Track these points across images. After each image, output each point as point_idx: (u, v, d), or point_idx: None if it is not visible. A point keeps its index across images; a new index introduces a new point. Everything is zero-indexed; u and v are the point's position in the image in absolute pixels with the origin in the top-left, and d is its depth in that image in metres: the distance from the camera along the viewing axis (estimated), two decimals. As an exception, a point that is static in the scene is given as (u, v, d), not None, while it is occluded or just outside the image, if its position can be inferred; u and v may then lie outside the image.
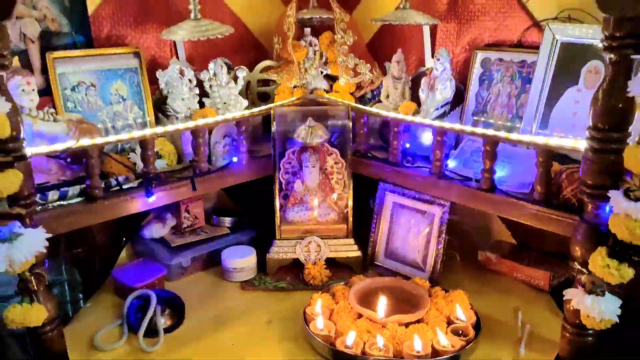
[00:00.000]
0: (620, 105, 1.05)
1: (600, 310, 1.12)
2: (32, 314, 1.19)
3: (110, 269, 1.69)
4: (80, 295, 1.58)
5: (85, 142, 1.33)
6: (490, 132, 1.36)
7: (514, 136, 1.33)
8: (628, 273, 1.08)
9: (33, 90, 1.38)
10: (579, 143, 1.20)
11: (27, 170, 1.18)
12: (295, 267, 1.65)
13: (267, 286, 1.61)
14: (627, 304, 1.15)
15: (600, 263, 1.09)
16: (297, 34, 1.82)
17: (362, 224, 1.70)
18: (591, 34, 1.35)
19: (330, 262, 1.65)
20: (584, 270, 1.15)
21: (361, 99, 1.90)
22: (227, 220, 1.81)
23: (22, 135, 1.15)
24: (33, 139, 1.34)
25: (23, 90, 1.34)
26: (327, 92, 1.88)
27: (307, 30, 1.86)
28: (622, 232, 1.05)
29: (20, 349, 1.33)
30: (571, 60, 1.40)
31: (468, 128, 1.42)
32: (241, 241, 1.75)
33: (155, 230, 1.71)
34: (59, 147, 1.30)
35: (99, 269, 1.68)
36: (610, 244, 1.09)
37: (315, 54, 1.86)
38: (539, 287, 1.55)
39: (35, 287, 1.20)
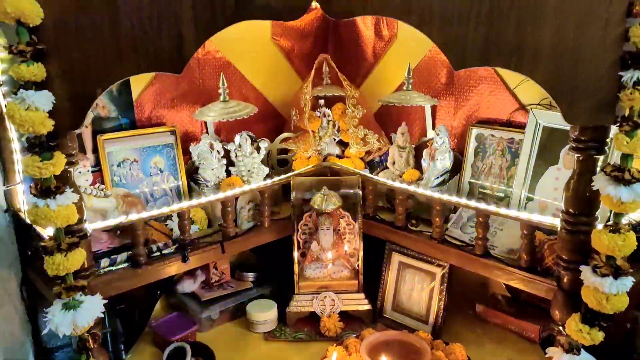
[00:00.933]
0: (588, 194, 1.26)
1: (576, 369, 1.31)
2: (89, 369, 1.41)
3: (147, 321, 1.90)
4: (122, 346, 1.77)
5: (134, 216, 1.55)
6: (482, 205, 1.56)
7: (502, 210, 1.53)
8: (598, 337, 1.27)
9: (88, 171, 1.61)
10: (555, 221, 1.40)
11: (88, 246, 1.40)
12: (312, 319, 1.85)
13: (287, 337, 1.81)
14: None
15: (575, 328, 1.28)
16: (312, 104, 2.05)
17: (371, 279, 1.89)
18: (569, 121, 1.56)
19: (343, 315, 1.84)
20: (562, 331, 1.35)
21: (370, 163, 2.11)
22: (250, 275, 2.01)
23: (84, 217, 1.38)
24: (87, 214, 1.56)
25: (80, 172, 1.58)
26: (340, 157, 2.10)
27: (321, 101, 2.09)
28: (591, 302, 1.25)
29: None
30: (552, 142, 1.61)
31: (463, 201, 1.61)
32: (263, 294, 1.95)
33: (187, 286, 1.91)
34: (112, 222, 1.52)
35: (138, 321, 1.88)
36: (583, 311, 1.29)
37: (328, 124, 2.09)
38: (530, 339, 1.73)
39: (92, 345, 1.41)
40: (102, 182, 1.74)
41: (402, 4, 1.15)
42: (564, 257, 1.33)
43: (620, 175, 1.16)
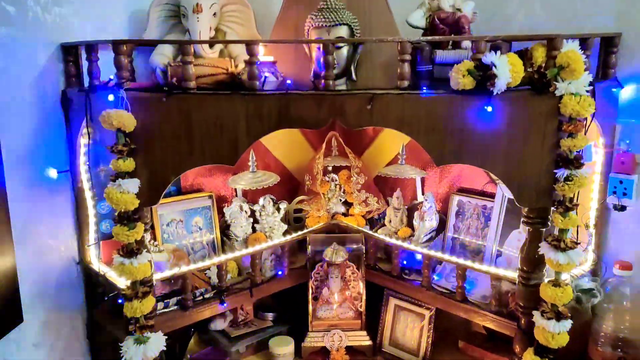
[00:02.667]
0: (536, 257, 1.67)
1: (532, 392, 1.70)
2: (151, 393, 1.78)
3: (184, 353, 2.27)
4: (165, 375, 2.15)
5: (184, 269, 1.94)
6: (461, 260, 1.97)
7: (476, 265, 1.93)
8: (547, 366, 1.67)
9: (146, 230, 2.01)
10: (516, 275, 1.81)
11: (153, 294, 1.80)
12: (323, 352, 2.23)
13: (302, 368, 2.20)
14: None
15: (529, 359, 1.68)
16: (323, 171, 2.47)
17: (372, 319, 2.29)
18: (527, 195, 1.98)
19: (349, 349, 2.22)
20: (521, 362, 1.74)
21: (370, 220, 2.53)
22: (270, 315, 2.39)
23: (152, 270, 1.77)
24: (147, 266, 1.96)
25: (142, 233, 1.98)
26: (345, 215, 2.51)
27: (330, 168, 2.52)
28: (541, 339, 1.64)
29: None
30: (514, 210, 2.03)
31: (447, 256, 2.02)
32: (281, 331, 2.34)
33: (219, 324, 2.29)
34: (168, 273, 1.91)
35: (177, 354, 2.26)
36: (535, 346, 1.68)
37: (336, 187, 2.50)
38: (502, 369, 2.13)
39: (154, 373, 1.79)
40: (154, 239, 2.14)
41: (397, 120, 1.59)
42: (521, 304, 1.74)
43: (558, 244, 1.58)
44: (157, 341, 1.73)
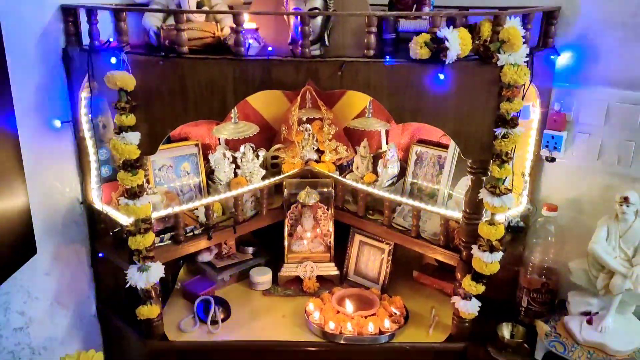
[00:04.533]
0: (477, 201, 1.99)
1: (468, 309, 2.07)
2: (153, 311, 2.08)
3: (175, 281, 2.59)
4: (160, 299, 2.46)
5: (176, 209, 2.22)
6: (416, 203, 2.29)
7: (429, 207, 2.25)
8: (481, 289, 2.02)
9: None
10: (460, 215, 2.14)
11: (152, 230, 2.08)
12: (297, 280, 2.57)
13: (279, 293, 2.53)
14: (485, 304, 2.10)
15: (467, 284, 2.04)
16: (297, 121, 2.73)
17: (339, 253, 2.62)
18: (475, 147, 2.29)
19: (319, 278, 2.56)
20: (461, 285, 2.10)
21: (339, 167, 2.82)
22: (251, 249, 2.71)
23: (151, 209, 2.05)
24: (143, 206, 2.23)
25: (138, 177, 2.23)
26: (317, 161, 2.79)
27: (304, 119, 2.78)
28: (478, 268, 1.99)
29: (134, 332, 2.21)
30: (464, 160, 2.34)
31: (405, 199, 2.33)
32: (260, 263, 2.66)
33: (205, 256, 2.60)
34: (163, 213, 2.18)
35: (170, 282, 2.57)
36: (473, 273, 2.04)
37: (309, 137, 2.77)
38: (448, 294, 2.49)
39: (153, 295, 2.10)
40: (147, 182, 2.39)
41: (364, 84, 1.85)
42: (463, 239, 2.09)
43: (494, 190, 1.90)
44: (157, 269, 2.03)
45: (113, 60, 1.81)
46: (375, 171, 2.63)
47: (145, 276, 1.99)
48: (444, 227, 2.22)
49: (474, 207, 2.02)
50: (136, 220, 1.95)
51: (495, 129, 1.87)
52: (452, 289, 2.45)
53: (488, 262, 1.96)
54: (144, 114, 1.86)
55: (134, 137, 1.84)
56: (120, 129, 1.84)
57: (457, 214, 2.16)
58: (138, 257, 1.99)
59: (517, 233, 2.23)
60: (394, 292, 2.47)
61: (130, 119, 1.83)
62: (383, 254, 2.52)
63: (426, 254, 2.38)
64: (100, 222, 2.31)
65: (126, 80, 1.78)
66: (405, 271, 2.64)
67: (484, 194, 1.94)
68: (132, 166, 1.87)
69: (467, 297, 2.08)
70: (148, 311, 2.08)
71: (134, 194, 1.90)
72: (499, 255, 1.97)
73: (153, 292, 2.09)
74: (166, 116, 1.88)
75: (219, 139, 2.63)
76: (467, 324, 2.16)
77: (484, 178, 1.99)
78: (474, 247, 2.00)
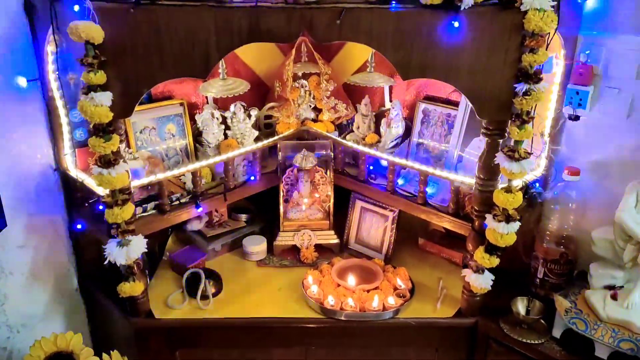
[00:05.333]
0: (492, 166, 1.79)
1: (480, 283, 1.90)
2: (135, 288, 1.91)
3: (163, 252, 2.42)
4: (147, 272, 2.28)
5: (160, 176, 2.01)
6: (423, 167, 2.08)
7: (437, 172, 2.05)
8: (494, 262, 1.84)
9: (122, 141, 2.05)
10: (472, 181, 1.94)
11: (132, 200, 1.88)
12: (294, 250, 2.40)
13: (274, 264, 2.35)
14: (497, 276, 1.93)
15: (480, 256, 1.86)
16: (292, 77, 2.50)
17: (339, 220, 2.44)
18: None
19: (318, 247, 2.39)
20: (472, 257, 1.93)
21: (339, 126, 2.60)
22: (244, 216, 2.52)
23: (130, 178, 1.85)
24: (123, 173, 2.03)
25: (116, 141, 2.02)
26: (314, 120, 2.57)
27: (300, 74, 2.54)
28: (492, 239, 1.81)
29: (118, 308, 2.05)
30: (476, 119, 2.12)
31: (410, 163, 2.12)
32: (254, 231, 2.48)
33: (195, 225, 2.42)
34: (145, 180, 1.98)
35: (157, 252, 2.40)
36: (486, 244, 1.86)
37: (305, 93, 2.54)
38: (456, 263, 2.33)
39: (136, 271, 1.92)
40: (129, 146, 2.18)
41: (366, 35, 1.62)
42: (476, 207, 1.89)
43: (512, 154, 1.70)
44: (138, 243, 1.84)
45: (76, 8, 1.56)
46: (377, 131, 2.42)
47: (126, 251, 1.81)
48: (454, 194, 2.03)
49: (489, 173, 1.82)
50: (112, 191, 1.75)
51: (515, 85, 1.65)
52: (461, 258, 2.29)
53: (503, 233, 1.77)
54: (116, 71, 1.63)
55: (105, 98, 1.62)
56: (89, 89, 1.61)
57: (469, 179, 1.96)
58: (117, 231, 1.80)
59: (534, 199, 2.03)
60: (398, 262, 2.30)
61: (99, 77, 1.59)
62: (386, 222, 2.33)
63: (432, 222, 2.19)
64: (77, 190, 2.11)
65: (92, 31, 1.54)
66: (409, 238, 2.47)
67: (500, 158, 1.73)
68: (104, 131, 1.66)
69: (479, 270, 1.90)
70: (130, 288, 1.90)
71: (108, 161, 1.69)
72: (515, 225, 1.78)
73: (136, 267, 1.91)
74: (141, 73, 1.65)
75: (206, 97, 2.40)
76: (477, 298, 1.99)
77: (501, 140, 1.78)
78: (488, 217, 1.81)
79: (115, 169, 1.70)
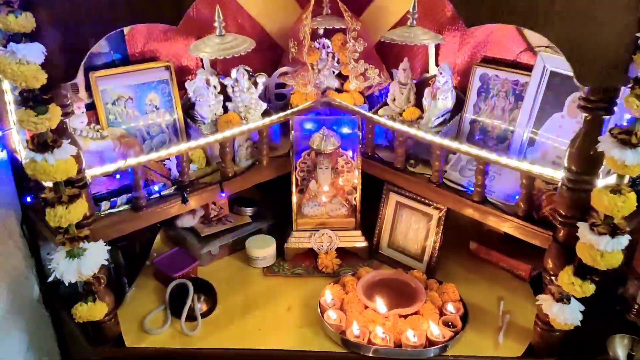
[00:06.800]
0: (592, 154, 1.25)
1: (565, 317, 1.37)
2: (96, 311, 1.45)
3: (148, 253, 1.94)
4: (125, 279, 1.82)
5: (132, 161, 1.53)
6: (483, 153, 1.55)
7: (503, 160, 1.51)
8: (589, 289, 1.31)
9: (82, 112, 1.56)
10: (557, 174, 1.40)
11: (88, 194, 1.40)
12: (310, 255, 1.90)
13: (285, 272, 1.86)
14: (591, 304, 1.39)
15: (567, 280, 1.32)
16: (311, 35, 1.97)
17: (368, 217, 1.92)
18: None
19: (340, 251, 1.89)
20: (554, 281, 1.39)
21: (369, 98, 2.08)
22: (249, 210, 2.03)
23: (83, 166, 1.36)
24: (84, 156, 1.55)
25: (74, 114, 1.53)
26: (339, 90, 2.06)
27: (320, 31, 2.01)
28: (585, 258, 1.28)
29: (83, 334, 1.59)
30: (558, 88, 1.57)
31: (464, 147, 1.60)
32: (261, 229, 1.99)
33: (186, 221, 1.93)
34: (110, 167, 1.50)
35: (138, 254, 1.93)
36: (576, 264, 1.32)
37: (327, 56, 2.02)
38: (521, 277, 1.80)
39: (97, 289, 1.45)
40: (97, 122, 1.70)
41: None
42: (562, 212, 1.35)
43: (627, 138, 1.15)
44: (97, 253, 1.37)
45: None
46: (419, 104, 1.89)
47: (77, 265, 1.33)
48: (526, 189, 1.49)
49: (585, 164, 1.28)
50: (55, 184, 1.27)
51: (638, 34, 1.09)
52: (529, 271, 1.76)
53: (606, 250, 1.23)
54: (49, 14, 1.13)
55: (34, 52, 1.13)
56: (10, 39, 1.12)
57: (550, 171, 1.42)
58: (63, 238, 1.32)
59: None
60: (444, 275, 1.79)
61: (23, 21, 1.10)
62: (430, 222, 1.81)
63: (491, 225, 1.66)
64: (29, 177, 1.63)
65: (5, -50, 1.04)
66: (457, 240, 1.93)
67: (606, 144, 1.18)
68: (36, 100, 1.17)
69: (563, 298, 1.37)
70: (88, 312, 1.44)
71: (44, 143, 1.20)
72: (624, 240, 1.24)
73: (96, 283, 1.43)
74: (85, 17, 1.15)
75: (201, 59, 1.89)
76: (557, 333, 1.46)
77: (606, 118, 1.23)
78: (582, 226, 1.27)
79: (56, 154, 1.22)
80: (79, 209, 1.30)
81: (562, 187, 1.34)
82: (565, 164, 1.31)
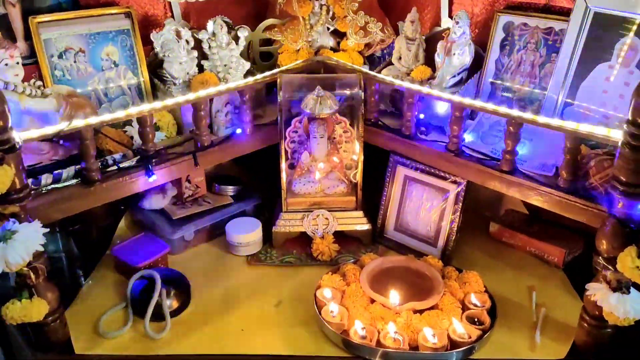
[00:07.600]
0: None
1: (625, 310, 1.10)
2: (32, 310, 1.16)
3: (109, 240, 1.65)
4: (80, 271, 1.53)
5: (79, 122, 1.23)
6: (514, 112, 1.28)
7: (541, 119, 1.25)
8: (658, 275, 1.04)
9: (17, 63, 1.27)
10: (612, 133, 1.12)
11: (19, 162, 1.09)
12: (303, 240, 1.61)
13: (273, 261, 1.58)
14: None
15: (630, 265, 1.05)
16: (302, -16, 1.69)
17: (371, 195, 1.64)
18: (631, 5, 1.23)
19: (339, 235, 1.61)
20: (610, 266, 1.12)
21: (370, 58, 1.80)
22: (230, 189, 1.74)
23: (9, 124, 1.06)
24: (21, 118, 1.25)
25: (6, 65, 1.24)
26: (334, 50, 1.79)
27: (313, -21, 1.73)
28: (656, 235, 1.00)
29: (24, 337, 1.29)
30: (605, 32, 1.30)
31: (490, 106, 1.32)
32: (245, 211, 1.71)
33: (155, 202, 1.64)
34: (49, 130, 1.20)
35: (97, 241, 1.63)
36: (641, 244, 1.05)
37: (321, 8, 1.75)
38: (553, 263, 1.53)
39: (34, 282, 1.15)
40: (40, 78, 1.39)
41: None
42: (622, 178, 1.07)
43: None
44: (30, 237, 1.07)
45: None
46: (430, 62, 1.62)
47: (2, 252, 1.03)
48: (571, 155, 1.21)
49: (656, 118, 0.99)
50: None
51: None
52: (562, 255, 1.49)
53: (683, 226, 0.95)
54: None
55: None
56: None
57: (602, 129, 1.14)
58: (-20, 217, 1.02)
59: None
60: (462, 262, 1.51)
61: None
62: (446, 198, 1.52)
63: (527, 201, 1.38)
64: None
65: None
66: (476, 224, 1.66)
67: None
68: None
69: (621, 286, 1.09)
70: (22, 311, 1.13)
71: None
72: None
73: (33, 275, 1.13)
74: None
75: (169, 7, 1.58)
76: (608, 330, 1.18)
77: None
78: (649, 196, 0.99)
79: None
80: (3, 178, 1.00)
81: (623, 146, 1.06)
82: (630, 116, 1.03)
